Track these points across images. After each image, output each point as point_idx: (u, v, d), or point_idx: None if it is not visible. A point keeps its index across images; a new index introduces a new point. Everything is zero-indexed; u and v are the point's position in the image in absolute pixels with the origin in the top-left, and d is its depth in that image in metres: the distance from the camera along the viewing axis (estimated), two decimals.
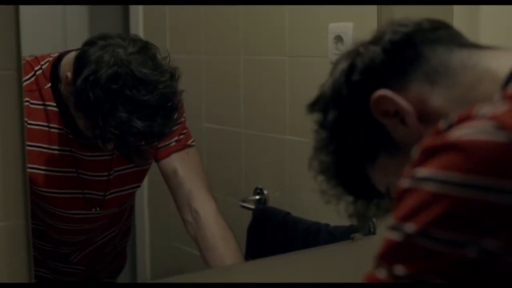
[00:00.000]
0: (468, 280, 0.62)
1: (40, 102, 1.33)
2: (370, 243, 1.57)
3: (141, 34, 1.53)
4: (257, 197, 1.68)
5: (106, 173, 1.41)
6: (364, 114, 0.80)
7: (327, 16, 1.59)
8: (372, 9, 1.52)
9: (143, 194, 1.63)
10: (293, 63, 1.64)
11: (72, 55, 1.29)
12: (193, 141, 1.50)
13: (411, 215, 0.64)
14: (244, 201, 1.68)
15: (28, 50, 1.27)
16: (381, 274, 0.65)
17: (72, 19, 1.52)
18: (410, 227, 0.64)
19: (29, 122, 1.29)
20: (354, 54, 0.82)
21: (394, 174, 0.77)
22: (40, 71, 1.33)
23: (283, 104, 1.66)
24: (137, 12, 1.60)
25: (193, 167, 1.51)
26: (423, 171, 0.65)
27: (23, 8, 1.16)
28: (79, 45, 1.29)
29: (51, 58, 1.35)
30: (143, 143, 1.28)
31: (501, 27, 1.59)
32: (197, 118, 1.67)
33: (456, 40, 0.82)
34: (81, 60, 1.25)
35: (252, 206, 1.67)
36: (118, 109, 1.20)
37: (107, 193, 1.42)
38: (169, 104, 1.26)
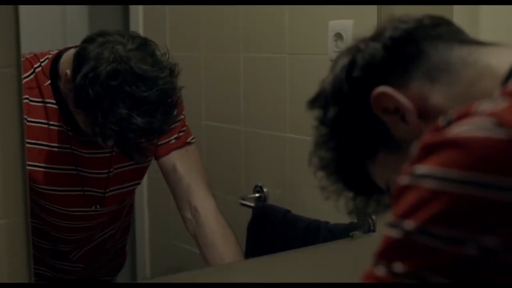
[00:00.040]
0: (467, 278, 0.62)
1: (40, 100, 1.33)
2: (369, 241, 1.56)
3: (141, 32, 1.53)
4: (257, 195, 1.68)
5: (106, 171, 1.41)
6: (365, 111, 0.80)
7: (327, 13, 1.59)
8: (372, 6, 1.52)
9: (142, 192, 1.63)
10: (293, 61, 1.64)
11: (71, 52, 1.29)
12: (192, 138, 1.50)
13: (410, 212, 0.64)
14: (244, 199, 1.68)
15: (28, 48, 1.27)
16: (380, 272, 0.65)
17: (72, 16, 1.52)
18: (409, 224, 0.63)
19: (29, 119, 1.29)
20: (354, 50, 0.82)
21: (394, 170, 0.76)
22: (40, 68, 1.33)
23: (283, 102, 1.66)
24: (137, 9, 1.60)
25: (192, 165, 1.50)
26: (422, 168, 0.64)
27: (22, 6, 1.16)
28: (79, 42, 1.29)
29: (50, 55, 1.35)
30: (143, 140, 1.28)
31: (501, 27, 1.59)
32: (197, 116, 1.67)
33: (457, 36, 0.82)
34: (80, 57, 1.24)
35: (252, 204, 1.67)
36: (118, 106, 1.20)
37: (107, 191, 1.42)
38: (169, 100, 1.26)
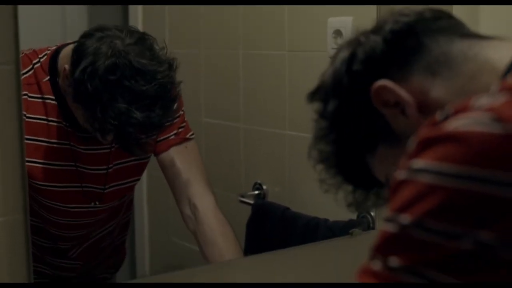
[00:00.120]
0: (463, 273, 0.62)
1: (39, 95, 1.33)
2: (369, 238, 1.55)
3: (140, 28, 1.53)
4: (256, 192, 1.68)
5: (105, 167, 1.41)
6: (365, 104, 0.80)
7: (326, 10, 1.59)
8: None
9: (142, 189, 1.63)
10: (293, 58, 1.64)
11: (70, 48, 1.29)
12: (192, 134, 1.49)
13: (406, 207, 0.64)
14: (243, 196, 1.68)
15: (27, 45, 1.27)
16: (376, 266, 0.65)
17: (71, 13, 1.52)
18: (405, 218, 0.63)
19: (28, 115, 1.29)
20: (355, 43, 0.82)
21: (394, 164, 0.76)
22: (38, 64, 1.33)
23: (282, 99, 1.66)
24: (136, 7, 1.60)
25: (192, 161, 1.50)
26: (419, 163, 0.64)
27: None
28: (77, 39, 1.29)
29: (49, 51, 1.34)
30: (142, 136, 1.28)
31: (501, 27, 1.59)
32: (196, 113, 1.67)
33: (457, 30, 0.82)
34: (78, 52, 1.24)
35: (251, 201, 1.67)
36: (117, 100, 1.20)
37: (106, 187, 1.42)
38: (168, 94, 1.26)
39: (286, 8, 1.62)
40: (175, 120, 1.42)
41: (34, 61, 1.33)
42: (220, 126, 1.72)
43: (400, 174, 0.66)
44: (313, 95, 0.85)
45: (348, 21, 1.56)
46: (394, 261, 0.63)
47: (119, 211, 1.52)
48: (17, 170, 1.15)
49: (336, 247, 1.59)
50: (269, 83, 1.69)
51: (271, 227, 1.64)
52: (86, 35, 1.26)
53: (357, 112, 0.82)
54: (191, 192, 1.48)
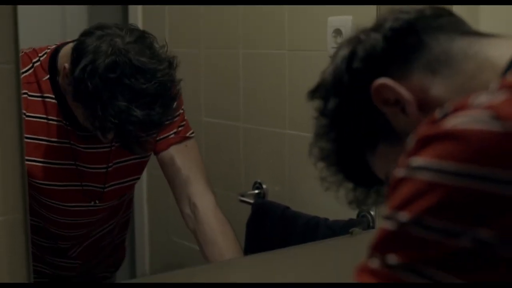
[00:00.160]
0: (462, 270, 0.61)
1: (39, 94, 1.32)
2: (369, 237, 1.53)
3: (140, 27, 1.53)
4: (256, 191, 1.68)
5: (105, 165, 1.41)
6: (365, 102, 0.80)
7: (326, 9, 1.59)
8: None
9: (142, 189, 1.63)
10: (293, 57, 1.64)
11: (69, 46, 1.29)
12: (192, 133, 1.49)
13: (405, 204, 0.64)
14: (243, 195, 1.68)
15: (27, 44, 1.27)
16: (374, 264, 0.64)
17: (71, 12, 1.52)
18: (404, 215, 0.63)
19: (28, 114, 1.29)
20: (355, 41, 0.82)
21: (394, 162, 0.76)
22: (38, 63, 1.33)
23: (282, 98, 1.66)
24: (136, 6, 1.60)
25: (192, 160, 1.50)
26: (418, 160, 0.64)
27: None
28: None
29: (49, 50, 1.34)
30: (143, 134, 1.28)
31: (501, 27, 1.58)
32: (196, 112, 1.67)
33: (458, 27, 0.82)
34: (78, 50, 1.24)
35: (251, 200, 1.67)
36: (117, 98, 1.20)
37: (106, 186, 1.42)
38: (168, 92, 1.26)
39: (286, 7, 1.62)
40: (175, 119, 1.42)
41: (34, 60, 1.33)
42: (220, 126, 1.72)
43: (399, 172, 0.66)
44: (314, 93, 0.85)
45: (348, 20, 1.56)
46: (392, 259, 0.63)
47: (118, 210, 1.52)
48: (17, 169, 1.15)
49: (336, 247, 1.59)
50: (269, 83, 1.69)
51: (271, 227, 1.64)
52: (86, 34, 1.26)
53: (358, 110, 0.82)
54: (191, 191, 1.48)
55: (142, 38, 1.26)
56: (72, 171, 1.37)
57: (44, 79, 1.33)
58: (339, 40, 1.55)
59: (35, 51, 1.33)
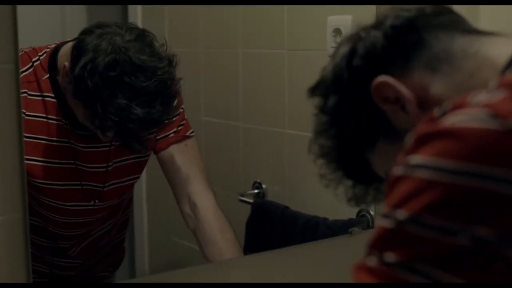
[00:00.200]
0: (461, 269, 0.61)
1: (38, 93, 1.32)
2: (368, 237, 1.55)
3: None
4: (256, 191, 1.68)
5: (104, 165, 1.41)
6: (365, 100, 0.80)
7: (326, 9, 1.59)
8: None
9: (141, 188, 1.63)
10: (292, 57, 1.64)
11: (69, 45, 1.29)
12: (192, 132, 1.49)
13: (403, 202, 0.64)
14: (242, 195, 1.68)
15: (26, 43, 1.27)
16: (372, 262, 0.64)
17: (70, 11, 1.52)
18: (401, 213, 0.63)
19: (27, 113, 1.29)
20: (355, 38, 0.82)
21: (394, 160, 0.76)
22: (38, 62, 1.33)
23: (282, 98, 1.66)
24: (136, 6, 1.60)
25: (192, 159, 1.50)
26: (416, 158, 0.64)
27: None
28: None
29: (48, 49, 1.34)
30: (143, 133, 1.28)
31: (501, 27, 1.58)
32: (196, 112, 1.67)
33: (459, 25, 0.82)
34: (78, 48, 1.24)
35: (251, 200, 1.67)
36: (117, 96, 1.20)
37: (106, 185, 1.42)
38: (168, 90, 1.26)
39: (285, 6, 1.62)
40: (175, 118, 1.42)
41: (34, 59, 1.33)
42: (219, 125, 1.72)
43: (397, 170, 0.66)
44: (314, 90, 0.85)
45: (348, 20, 1.56)
46: (390, 257, 0.63)
47: (118, 209, 1.52)
48: (16, 168, 1.15)
49: (335, 246, 1.59)
50: (268, 82, 1.69)
51: (270, 226, 1.63)
52: (86, 32, 1.26)
53: (357, 108, 0.82)
54: (191, 190, 1.48)
55: (142, 36, 1.27)
56: (71, 171, 1.37)
57: (44, 78, 1.33)
58: (339, 39, 1.54)
59: (34, 50, 1.33)
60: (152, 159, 1.48)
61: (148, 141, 1.34)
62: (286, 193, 1.70)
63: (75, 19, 1.51)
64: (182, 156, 1.47)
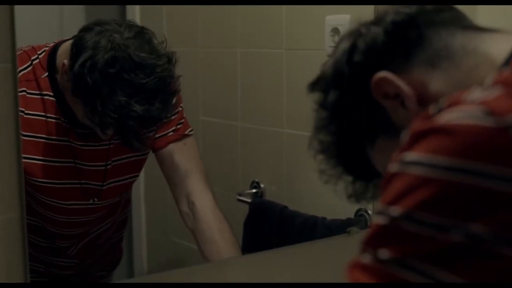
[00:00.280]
0: (455, 266, 0.61)
1: (37, 92, 1.32)
2: None
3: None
4: (254, 190, 1.68)
5: (103, 163, 1.41)
6: (365, 95, 0.80)
7: (324, 8, 1.59)
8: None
9: (139, 188, 1.63)
10: (290, 56, 1.64)
11: (68, 44, 1.29)
12: (191, 131, 1.49)
13: (397, 199, 0.63)
14: (240, 195, 1.68)
15: (25, 42, 1.27)
16: (366, 259, 0.64)
17: (69, 10, 1.52)
18: (396, 210, 0.63)
19: (26, 112, 1.29)
20: (356, 34, 0.82)
21: None
22: (37, 60, 1.33)
23: (280, 97, 1.66)
24: (134, 5, 1.60)
25: (191, 157, 1.50)
26: (411, 155, 0.64)
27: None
28: None
29: (47, 48, 1.34)
30: (142, 130, 1.28)
31: (500, 23, 1.59)
32: (194, 111, 1.67)
33: (459, 22, 0.81)
34: (77, 46, 1.24)
35: (249, 200, 1.67)
36: (117, 93, 1.20)
37: (105, 183, 1.42)
38: (167, 88, 1.26)
39: (284, 6, 1.62)
40: (174, 116, 1.42)
41: (33, 58, 1.33)
42: (218, 125, 1.72)
43: (392, 167, 0.66)
44: (314, 86, 0.85)
45: (346, 19, 1.56)
46: (384, 254, 0.63)
47: (116, 208, 1.52)
48: (13, 167, 1.14)
49: (333, 246, 1.58)
50: (266, 82, 1.69)
51: (268, 226, 1.63)
52: (85, 29, 1.26)
53: (357, 103, 0.81)
54: (190, 189, 1.47)
55: (141, 33, 1.27)
56: (70, 169, 1.37)
57: (43, 76, 1.32)
58: (337, 39, 1.55)
59: (33, 49, 1.33)
60: (150, 158, 1.48)
61: (147, 139, 1.34)
62: (284, 193, 1.70)
63: (74, 18, 1.51)
64: (181, 154, 1.47)
